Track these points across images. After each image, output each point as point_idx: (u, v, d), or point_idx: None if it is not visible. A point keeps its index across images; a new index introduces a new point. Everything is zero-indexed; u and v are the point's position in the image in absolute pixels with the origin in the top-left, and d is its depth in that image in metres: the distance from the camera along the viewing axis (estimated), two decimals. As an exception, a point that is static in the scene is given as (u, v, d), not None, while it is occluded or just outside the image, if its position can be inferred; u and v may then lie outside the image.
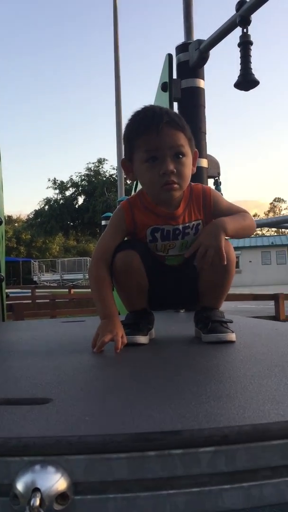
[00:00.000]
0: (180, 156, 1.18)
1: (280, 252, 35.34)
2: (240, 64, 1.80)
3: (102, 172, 40.83)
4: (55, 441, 0.53)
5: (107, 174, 40.13)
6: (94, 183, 39.77)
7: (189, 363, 0.98)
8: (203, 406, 0.63)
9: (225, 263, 1.15)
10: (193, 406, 0.63)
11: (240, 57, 1.81)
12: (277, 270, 33.32)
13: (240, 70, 1.80)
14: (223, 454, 0.53)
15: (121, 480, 0.52)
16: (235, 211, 1.27)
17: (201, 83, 2.08)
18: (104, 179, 39.58)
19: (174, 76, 2.10)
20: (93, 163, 41.53)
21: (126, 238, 1.28)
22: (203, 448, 0.53)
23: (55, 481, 0.50)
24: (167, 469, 0.52)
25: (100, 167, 41.04)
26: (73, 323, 1.92)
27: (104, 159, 40.94)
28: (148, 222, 1.23)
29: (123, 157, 1.28)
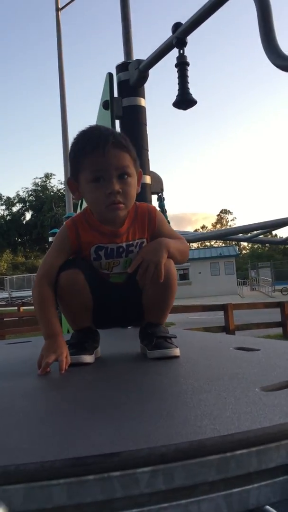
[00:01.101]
0: (126, 176, 1.20)
1: (228, 262, 36.17)
2: (178, 84, 1.86)
3: (49, 187, 40.52)
4: (-8, 471, 0.52)
5: (55, 189, 39.88)
6: (41, 198, 39.39)
7: (133, 381, 0.99)
8: (143, 425, 0.64)
9: (162, 280, 1.17)
10: (133, 426, 0.64)
11: (178, 77, 1.87)
12: (226, 281, 34.03)
13: (178, 90, 1.86)
14: (160, 473, 0.54)
15: (60, 506, 0.52)
16: (174, 237, 1.30)
17: (142, 102, 2.12)
18: (52, 194, 39.28)
19: (116, 94, 2.13)
20: (40, 178, 41.21)
21: (70, 257, 1.28)
22: (141, 468, 0.54)
23: (-8, 513, 0.50)
24: (107, 492, 0.53)
25: (48, 182, 40.74)
26: (18, 344, 1.89)
27: (51, 174, 40.67)
28: (92, 240, 1.24)
29: (69, 176, 1.29)
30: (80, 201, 2.89)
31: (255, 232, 4.66)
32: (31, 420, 0.73)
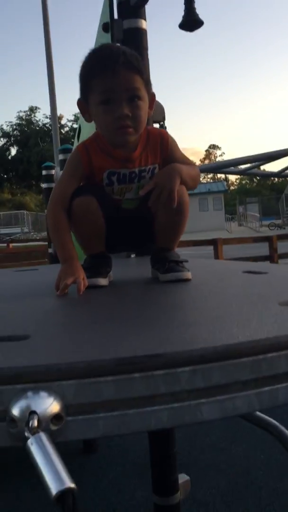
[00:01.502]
0: (136, 99, 1.18)
1: (216, 198, 36.10)
2: (184, 4, 1.79)
3: (34, 122, 39.32)
4: (46, 369, 0.56)
5: (40, 124, 38.74)
6: (26, 132, 38.28)
7: (153, 299, 1.03)
8: (177, 331, 0.68)
9: (175, 205, 1.18)
10: (168, 332, 0.68)
11: (184, -4, 1.79)
12: (214, 216, 34.14)
13: (184, 10, 1.79)
14: (200, 372, 0.59)
15: (109, 400, 0.57)
16: (186, 163, 1.30)
17: (144, 24, 2.03)
18: (38, 128, 38.19)
19: (115, 16, 2.04)
20: (24, 111, 39.87)
21: (82, 182, 1.28)
22: (182, 368, 0.58)
23: (49, 404, 0.54)
24: (151, 389, 0.57)
25: (33, 116, 39.48)
26: (26, 271, 1.92)
27: (36, 107, 39.36)
28: (105, 165, 1.24)
29: (79, 97, 1.26)
30: (77, 132, 2.84)
31: (247, 165, 4.64)
32: (70, 329, 0.77)
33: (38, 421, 0.52)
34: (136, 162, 1.25)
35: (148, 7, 2.08)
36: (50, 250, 4.60)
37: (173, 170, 1.20)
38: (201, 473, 2.40)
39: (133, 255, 2.07)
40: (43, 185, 4.39)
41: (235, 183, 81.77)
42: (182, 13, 1.79)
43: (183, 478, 1.83)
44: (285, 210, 40.73)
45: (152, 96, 1.25)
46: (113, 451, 2.68)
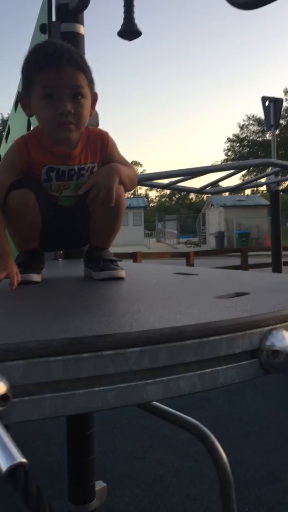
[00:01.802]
0: (79, 96, 1.18)
1: (136, 214, 36.60)
2: (124, 12, 1.83)
3: None
4: (-8, 349, 0.54)
5: None
6: None
7: (90, 293, 1.03)
8: (123, 318, 0.69)
9: (112, 204, 1.20)
10: (114, 318, 0.68)
11: (124, 5, 1.83)
12: (133, 231, 34.55)
13: (124, 19, 1.83)
14: (147, 353, 0.60)
15: (57, 380, 0.56)
16: (124, 164, 1.32)
17: (81, 29, 2.04)
18: None
19: (53, 19, 2.03)
20: None
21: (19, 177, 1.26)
22: (131, 348, 0.59)
23: (-4, 385, 0.52)
24: (99, 369, 0.57)
25: None
26: None
27: None
28: (44, 161, 1.23)
29: (21, 90, 1.24)
30: (6, 132, 2.77)
31: (171, 179, 4.77)
32: (10, 317, 0.75)
33: (-17, 401, 0.51)
34: (76, 160, 1.25)
35: (86, 13, 2.10)
36: None
37: (112, 169, 1.22)
38: (116, 481, 2.40)
39: (60, 259, 2.05)
40: None
41: (154, 200, 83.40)
42: (120, 22, 1.83)
43: (100, 485, 1.81)
44: (202, 228, 42.16)
45: (94, 95, 1.26)
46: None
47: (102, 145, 1.28)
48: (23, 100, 1.24)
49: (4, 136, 2.82)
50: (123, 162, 1.32)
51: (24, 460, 0.45)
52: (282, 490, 2.31)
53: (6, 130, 2.74)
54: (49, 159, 1.23)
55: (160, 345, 0.60)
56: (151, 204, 74.76)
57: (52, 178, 1.25)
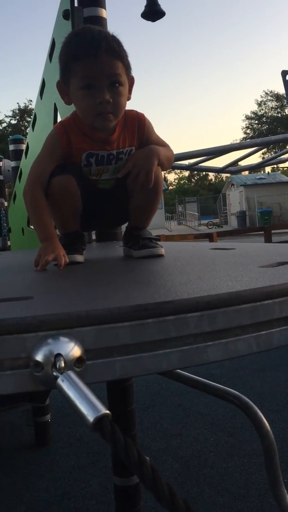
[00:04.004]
0: (117, 85, 1.20)
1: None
2: (148, -7, 1.83)
3: None
4: (67, 316, 0.59)
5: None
6: None
7: (138, 268, 1.07)
8: (179, 287, 0.73)
9: (151, 186, 1.23)
10: (169, 287, 0.72)
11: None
12: (155, 215, 34.50)
13: (147, 0, 1.83)
14: (206, 317, 0.63)
15: (125, 344, 0.60)
16: (161, 144, 1.34)
17: (104, 13, 2.05)
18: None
19: (76, 4, 2.05)
20: None
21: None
22: (191, 313, 0.63)
23: (71, 348, 0.57)
24: (163, 333, 0.62)
25: None
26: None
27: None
28: (83, 146, 1.26)
29: (59, 79, 1.27)
30: (33, 119, 2.81)
31: (193, 160, 4.77)
32: (70, 291, 0.80)
33: (64, 362, 0.55)
34: (114, 144, 1.28)
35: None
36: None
37: (151, 151, 1.25)
38: (155, 457, 2.46)
39: (93, 242, 2.10)
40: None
41: (173, 182, 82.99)
42: (142, 3, 1.84)
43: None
44: (222, 209, 41.86)
45: (131, 80, 1.28)
46: (66, 443, 2.69)
47: (139, 128, 1.31)
48: (61, 88, 1.27)
49: (31, 124, 2.86)
50: (160, 142, 1.34)
51: (107, 411, 0.49)
52: None
53: (32, 117, 2.78)
54: (88, 145, 1.26)
55: (218, 310, 0.64)
56: (170, 187, 74.40)
57: (91, 163, 1.28)
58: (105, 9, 2.07)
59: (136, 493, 1.77)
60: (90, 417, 0.49)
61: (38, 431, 2.68)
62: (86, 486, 2.22)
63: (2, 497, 2.18)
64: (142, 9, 1.90)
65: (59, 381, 0.53)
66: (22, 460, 2.53)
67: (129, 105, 1.30)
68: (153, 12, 1.82)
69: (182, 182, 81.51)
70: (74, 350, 0.57)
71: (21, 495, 2.19)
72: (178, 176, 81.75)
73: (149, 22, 1.90)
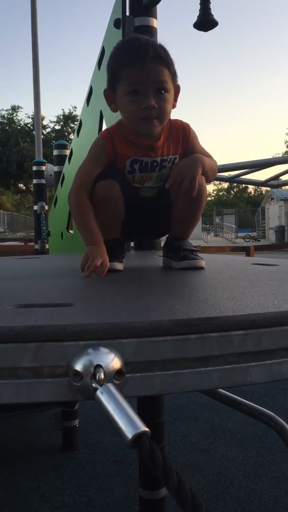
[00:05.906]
0: (163, 91, 1.20)
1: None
2: (200, 3, 1.83)
3: (16, 121, 39.02)
4: (109, 326, 0.58)
5: (22, 123, 38.51)
6: (8, 131, 37.93)
7: (177, 281, 1.05)
8: (222, 302, 0.70)
9: (194, 194, 1.22)
10: (213, 302, 0.70)
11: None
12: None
13: (200, 10, 1.83)
14: (251, 336, 0.61)
15: (165, 359, 0.59)
16: (206, 155, 1.33)
17: (154, 23, 2.07)
18: (19, 128, 37.90)
19: (127, 13, 2.07)
20: (6, 110, 39.59)
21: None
22: (235, 331, 0.60)
23: (112, 360, 0.56)
24: (205, 350, 0.60)
25: (15, 114, 39.19)
26: (32, 259, 1.92)
27: (18, 107, 39.13)
28: (128, 153, 1.26)
29: (106, 87, 1.28)
30: (78, 125, 2.85)
31: (234, 172, 4.72)
32: (111, 299, 0.79)
33: (104, 374, 0.54)
34: (159, 151, 1.27)
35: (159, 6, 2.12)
36: (36, 247, 4.60)
37: (196, 159, 1.24)
38: (181, 471, 2.42)
39: (132, 251, 2.09)
40: (34, 181, 4.34)
41: (212, 194, 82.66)
42: (193, 13, 1.84)
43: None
44: (261, 223, 41.34)
45: (177, 88, 1.28)
46: (92, 450, 2.68)
47: (184, 137, 1.30)
48: (108, 96, 1.28)
49: (76, 130, 2.90)
50: (204, 153, 1.33)
51: (147, 429, 0.48)
52: None
53: (77, 124, 2.81)
54: (133, 151, 1.26)
55: (264, 329, 0.62)
56: (209, 198, 74.10)
57: (135, 170, 1.28)
58: (156, 18, 2.08)
59: (161, 507, 1.74)
60: (129, 433, 0.47)
61: (65, 435, 2.68)
62: (110, 495, 2.20)
63: (26, 499, 2.18)
64: (194, 19, 1.91)
65: (99, 393, 0.52)
66: (49, 463, 2.53)
67: (175, 114, 1.29)
68: (206, 22, 1.82)
69: (220, 193, 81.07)
70: (114, 362, 0.56)
71: (46, 499, 2.19)
72: (217, 187, 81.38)
73: (201, 32, 1.90)
